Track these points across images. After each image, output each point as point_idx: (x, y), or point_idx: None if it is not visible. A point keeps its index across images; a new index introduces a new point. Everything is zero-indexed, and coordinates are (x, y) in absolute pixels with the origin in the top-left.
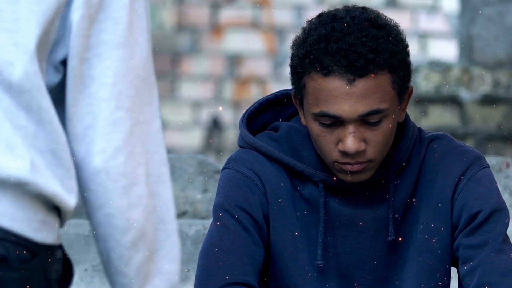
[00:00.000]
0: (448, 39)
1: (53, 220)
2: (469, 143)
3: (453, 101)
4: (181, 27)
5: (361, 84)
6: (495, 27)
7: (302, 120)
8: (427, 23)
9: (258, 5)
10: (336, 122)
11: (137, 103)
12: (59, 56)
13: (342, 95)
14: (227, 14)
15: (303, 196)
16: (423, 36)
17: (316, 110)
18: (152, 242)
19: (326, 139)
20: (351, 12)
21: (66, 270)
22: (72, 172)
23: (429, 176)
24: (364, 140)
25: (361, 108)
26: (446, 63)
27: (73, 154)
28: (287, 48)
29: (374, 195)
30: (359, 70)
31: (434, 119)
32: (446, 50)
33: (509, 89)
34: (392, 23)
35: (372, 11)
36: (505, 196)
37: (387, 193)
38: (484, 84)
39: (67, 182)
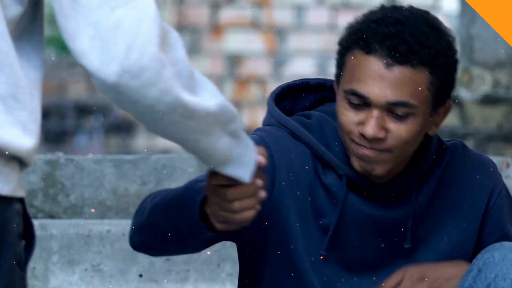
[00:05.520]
0: None
1: (10, 171)
2: (469, 143)
3: (453, 101)
4: (181, 27)
5: (398, 72)
6: None
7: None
8: None
9: (258, 5)
10: (363, 105)
11: None
12: None
13: (376, 76)
14: (227, 14)
15: (323, 183)
16: None
17: (347, 87)
18: (197, 104)
19: (349, 118)
20: (413, 9)
21: (27, 228)
22: (35, 114)
23: (451, 187)
24: (386, 130)
25: (391, 95)
26: None
27: (87, 69)
28: (287, 48)
29: (394, 200)
30: (400, 57)
31: None
32: None
33: (509, 89)
34: (448, 32)
35: (433, 15)
36: None
37: (406, 199)
38: (484, 84)
39: (30, 124)
